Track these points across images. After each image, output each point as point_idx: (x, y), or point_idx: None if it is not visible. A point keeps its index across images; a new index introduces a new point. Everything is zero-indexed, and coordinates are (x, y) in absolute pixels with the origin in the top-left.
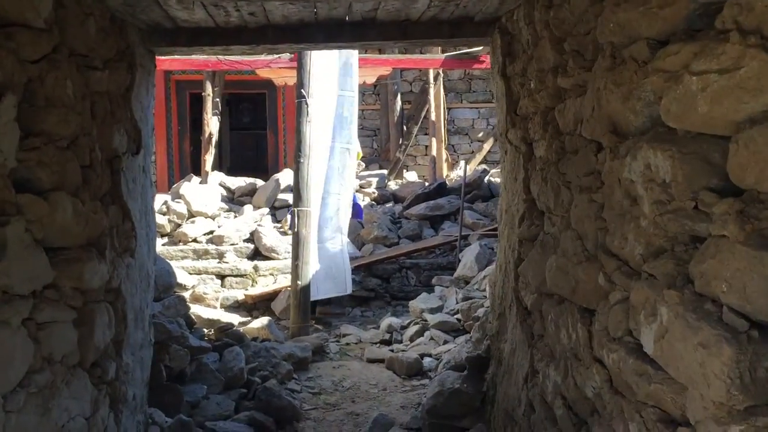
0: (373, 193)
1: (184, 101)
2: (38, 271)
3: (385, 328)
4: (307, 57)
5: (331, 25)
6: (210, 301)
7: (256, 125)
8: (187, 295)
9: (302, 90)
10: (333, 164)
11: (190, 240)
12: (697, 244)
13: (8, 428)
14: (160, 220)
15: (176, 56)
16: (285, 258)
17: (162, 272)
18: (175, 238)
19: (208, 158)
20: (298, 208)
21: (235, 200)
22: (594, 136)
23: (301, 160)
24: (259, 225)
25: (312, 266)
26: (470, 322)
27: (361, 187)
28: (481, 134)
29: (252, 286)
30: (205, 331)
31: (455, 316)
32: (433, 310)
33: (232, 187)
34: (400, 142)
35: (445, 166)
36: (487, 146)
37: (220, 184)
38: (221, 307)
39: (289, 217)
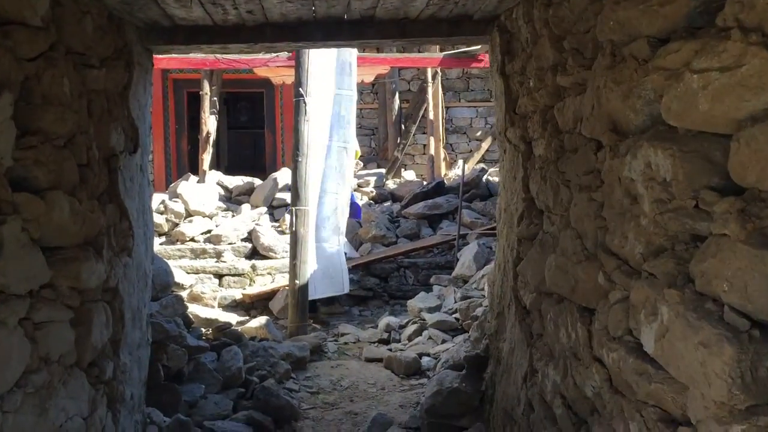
0: (371, 192)
1: (181, 100)
2: (35, 271)
3: (384, 328)
4: (306, 55)
5: (329, 24)
6: (208, 300)
7: (253, 124)
8: (184, 294)
9: (300, 89)
10: (330, 163)
11: (187, 239)
12: (697, 243)
13: (5, 428)
14: (158, 219)
15: (174, 55)
16: (283, 257)
17: (159, 271)
18: (172, 237)
19: (206, 157)
20: (296, 207)
21: (232, 199)
22: (594, 134)
23: (299, 159)
24: (257, 224)
25: (310, 265)
26: (469, 322)
27: (359, 186)
28: (479, 133)
29: (250, 285)
30: (203, 330)
31: (453, 316)
32: (431, 310)
33: (230, 186)
34: (398, 141)
35: (443, 165)
36: (485, 145)
37: (218, 183)
38: (219, 307)
39: (287, 216)
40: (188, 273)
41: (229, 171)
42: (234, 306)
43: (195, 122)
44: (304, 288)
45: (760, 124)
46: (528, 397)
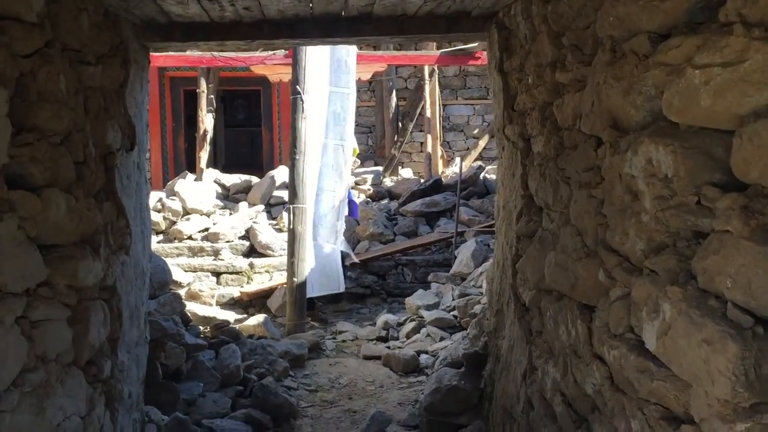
0: (369, 189)
1: (178, 98)
2: (31, 269)
3: (382, 325)
4: (303, 53)
5: (327, 20)
6: (206, 298)
7: (250, 122)
8: (182, 292)
9: (298, 86)
10: (327, 161)
11: (185, 237)
12: (699, 239)
13: (2, 428)
14: (155, 217)
15: (170, 52)
16: (281, 255)
17: (157, 269)
18: (170, 235)
19: (203, 155)
20: (294, 205)
21: (230, 197)
22: (594, 131)
23: (297, 157)
24: (254, 222)
25: (308, 263)
26: (467, 319)
27: (357, 184)
28: (476, 131)
29: (248, 283)
30: (201, 328)
31: (452, 313)
32: (429, 307)
33: (227, 184)
34: (396, 138)
35: (440, 162)
36: (482, 143)
37: (215, 181)
38: (217, 305)
39: (285, 214)
40: (186, 271)
41: (227, 169)
42: (232, 304)
43: (192, 120)
44: (302, 286)
45: (763, 119)
46: (527, 394)
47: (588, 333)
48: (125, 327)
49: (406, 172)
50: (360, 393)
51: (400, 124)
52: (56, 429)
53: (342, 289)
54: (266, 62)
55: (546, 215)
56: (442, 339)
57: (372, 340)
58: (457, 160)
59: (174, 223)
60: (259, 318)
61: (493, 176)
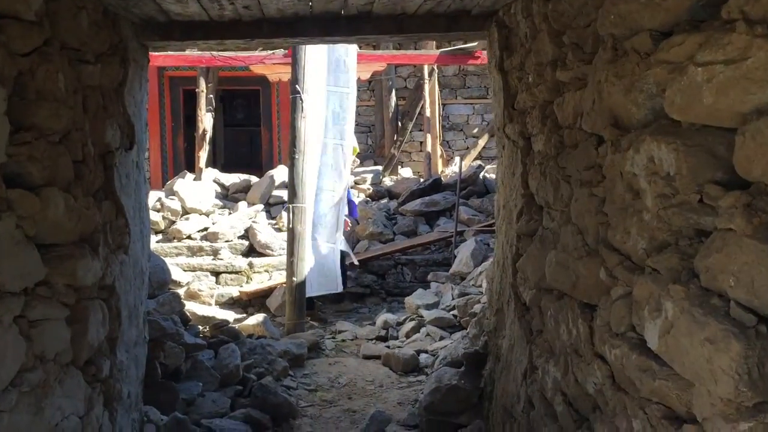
0: (368, 189)
1: (177, 98)
2: (30, 268)
3: (381, 325)
4: (302, 52)
5: (326, 19)
6: (205, 298)
7: (250, 122)
8: (181, 292)
9: (297, 85)
10: (326, 160)
11: (184, 237)
12: (702, 238)
13: (0, 428)
14: (154, 217)
15: (170, 51)
16: (280, 254)
17: (156, 269)
18: (169, 234)
19: (202, 155)
20: (293, 205)
21: (229, 197)
22: (594, 129)
23: (296, 156)
24: (253, 221)
25: (307, 263)
26: (467, 318)
27: (356, 183)
28: (475, 130)
29: (247, 282)
30: (200, 328)
31: (451, 312)
32: (429, 306)
33: (227, 184)
34: (395, 138)
35: (439, 162)
36: (482, 142)
37: (215, 181)
38: (216, 304)
39: (284, 213)
40: (185, 270)
41: (226, 168)
42: (231, 303)
43: (191, 120)
44: (302, 285)
45: (766, 117)
46: (528, 394)
47: (589, 332)
48: (124, 326)
49: (405, 172)
50: (359, 392)
51: (399, 124)
52: (54, 429)
53: (340, 289)
54: (265, 62)
55: (546, 214)
56: (441, 338)
57: (371, 339)
58: (457, 159)
59: (173, 222)
60: (258, 317)
61: (493, 175)
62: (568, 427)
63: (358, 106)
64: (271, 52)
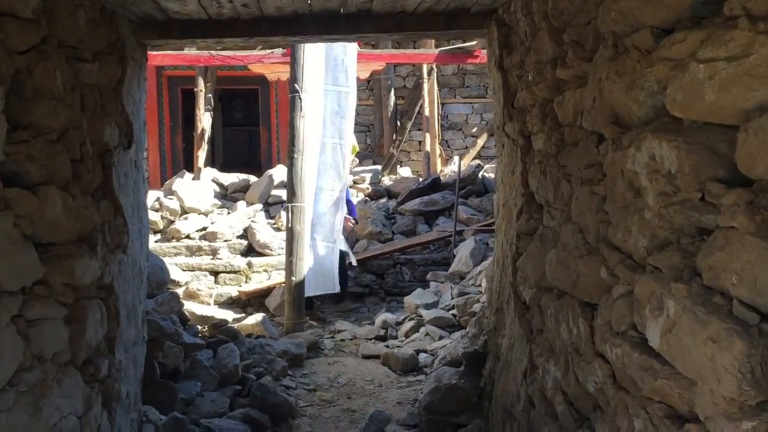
0: (367, 188)
1: (176, 97)
2: (27, 267)
3: (380, 324)
4: (301, 51)
5: (325, 17)
6: (203, 297)
7: (248, 121)
8: (180, 291)
9: (296, 84)
10: (324, 160)
11: (183, 236)
12: (704, 236)
13: None
14: (153, 216)
15: (168, 50)
16: (279, 254)
17: (155, 268)
18: (168, 234)
19: (201, 154)
20: (292, 204)
21: (228, 196)
22: (595, 127)
23: (295, 156)
24: (252, 221)
25: (306, 262)
26: (466, 318)
27: (355, 182)
28: (474, 129)
29: (246, 282)
30: (199, 327)
31: (451, 312)
32: (428, 306)
33: (225, 184)
34: (394, 137)
35: (438, 161)
36: (481, 141)
37: (213, 181)
38: (215, 304)
39: (283, 213)
40: (184, 270)
41: (225, 168)
42: (230, 303)
43: (190, 119)
44: (301, 285)
45: None
46: (528, 393)
47: (590, 331)
48: (122, 326)
49: (404, 171)
50: (359, 392)
51: (398, 123)
52: (53, 429)
53: (337, 289)
54: (264, 61)
55: (547, 212)
56: (441, 338)
57: (371, 339)
58: (456, 158)
59: (172, 222)
60: (257, 317)
61: (492, 175)
62: (568, 426)
63: (357, 106)
64: (270, 51)
